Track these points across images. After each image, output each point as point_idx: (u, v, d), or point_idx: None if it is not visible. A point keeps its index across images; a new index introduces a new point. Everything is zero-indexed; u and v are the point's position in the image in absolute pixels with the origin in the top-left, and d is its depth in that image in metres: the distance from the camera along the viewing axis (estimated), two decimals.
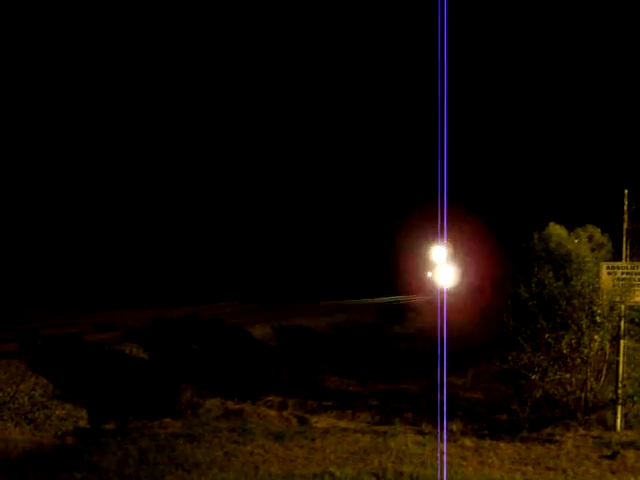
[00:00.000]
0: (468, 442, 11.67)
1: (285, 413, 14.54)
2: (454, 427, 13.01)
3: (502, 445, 11.52)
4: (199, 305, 33.66)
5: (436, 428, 12.88)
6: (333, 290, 53.75)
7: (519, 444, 11.59)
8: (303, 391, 16.45)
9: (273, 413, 14.41)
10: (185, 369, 17.24)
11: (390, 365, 20.15)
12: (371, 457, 10.54)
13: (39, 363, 15.33)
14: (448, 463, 10.30)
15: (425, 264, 65.29)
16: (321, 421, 13.88)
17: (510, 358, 12.91)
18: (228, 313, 30.12)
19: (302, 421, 13.88)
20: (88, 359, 16.49)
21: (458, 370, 18.40)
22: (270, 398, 15.66)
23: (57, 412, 13.33)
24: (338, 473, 9.43)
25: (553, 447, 11.43)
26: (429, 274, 66.57)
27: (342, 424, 13.55)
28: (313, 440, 11.63)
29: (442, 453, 10.85)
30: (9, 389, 13.66)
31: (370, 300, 51.06)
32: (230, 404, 14.84)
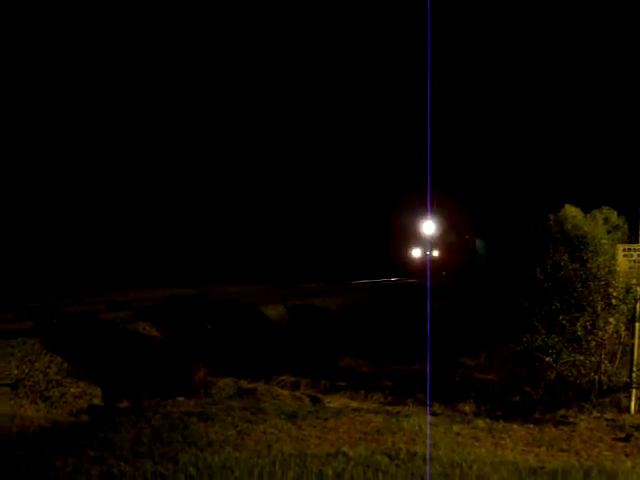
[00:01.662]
0: (481, 423, 11.66)
1: (298, 393, 14.59)
2: (467, 408, 13.02)
3: (515, 427, 11.49)
4: (210, 285, 33.75)
5: (449, 409, 12.90)
6: (334, 272, 54.22)
7: (532, 426, 11.57)
8: (316, 371, 16.49)
9: (286, 393, 14.46)
10: (198, 348, 17.31)
11: (403, 345, 20.15)
12: (384, 437, 10.55)
13: (54, 341, 15.42)
14: (461, 444, 10.30)
15: (417, 243, 65.44)
16: (334, 401, 13.92)
17: (524, 340, 12.86)
18: (239, 292, 30.18)
19: (315, 401, 13.92)
20: (102, 337, 16.56)
21: (471, 351, 18.40)
22: (283, 378, 15.70)
23: (72, 390, 13.41)
24: (351, 453, 9.44)
25: (566, 429, 11.40)
26: (415, 252, 66.84)
27: (355, 404, 13.58)
28: (326, 420, 11.65)
29: (455, 434, 10.86)
30: (24, 367, 13.75)
31: (375, 280, 51.34)
32: (243, 383, 14.88)
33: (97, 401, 13.46)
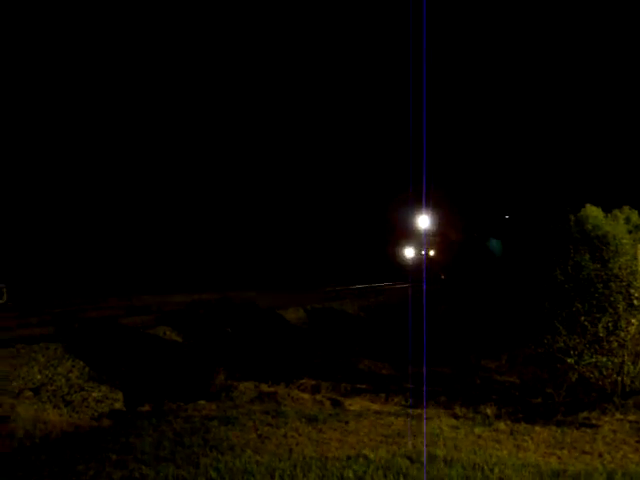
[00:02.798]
0: (502, 426, 11.60)
1: (318, 396, 14.59)
2: (488, 411, 12.94)
3: (537, 429, 11.42)
4: (229, 291, 33.82)
5: (470, 411, 12.84)
6: (338, 276, 53.31)
7: (554, 428, 11.48)
8: (336, 374, 16.48)
9: (306, 396, 14.46)
10: (219, 352, 17.36)
11: (423, 347, 20.08)
12: (405, 440, 10.52)
13: (76, 346, 15.54)
14: (482, 446, 10.25)
15: (410, 241, 60.75)
16: (355, 404, 13.90)
17: (545, 341, 12.79)
18: (258, 297, 30.22)
19: (335, 404, 13.91)
20: (123, 342, 16.67)
21: (492, 353, 18.31)
22: (303, 381, 15.70)
23: (93, 394, 13.51)
24: (372, 456, 9.42)
25: (589, 431, 11.31)
26: (408, 251, 61.19)
27: (376, 407, 13.56)
28: (347, 423, 11.64)
29: (477, 437, 10.81)
30: (47, 371, 13.87)
31: (383, 285, 50.62)
32: (264, 387, 14.91)
33: (119, 405, 13.54)
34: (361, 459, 9.26)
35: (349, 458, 9.32)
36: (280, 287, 41.39)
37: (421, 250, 58.80)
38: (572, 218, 13.98)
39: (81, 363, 14.73)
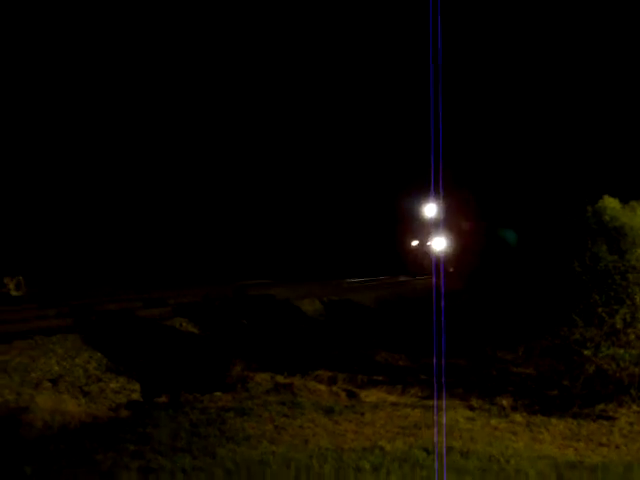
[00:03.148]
0: (519, 417, 11.58)
1: (335, 387, 14.59)
2: (504, 402, 12.91)
3: (553, 421, 11.39)
4: (244, 283, 33.90)
5: (487, 403, 12.81)
6: (353, 268, 52.38)
7: (571, 420, 11.45)
8: (352, 365, 16.47)
9: (323, 387, 14.47)
10: (235, 343, 17.41)
11: (440, 339, 20.03)
12: (422, 432, 10.52)
13: (93, 337, 15.65)
14: (499, 438, 10.24)
15: (418, 231, 56.35)
16: (371, 395, 13.90)
17: (562, 333, 12.73)
18: (273, 289, 30.29)
19: (352, 395, 13.91)
20: (140, 334, 16.76)
21: (508, 344, 18.23)
22: (319, 372, 15.71)
23: (111, 385, 13.60)
24: (388, 447, 9.44)
25: (606, 423, 11.27)
26: (415, 242, 57.14)
27: (392, 398, 13.56)
28: (363, 414, 11.65)
29: (493, 428, 10.80)
30: (65, 363, 13.98)
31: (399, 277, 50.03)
32: (280, 378, 14.93)
33: (136, 396, 13.62)
34: (377, 450, 9.29)
35: (365, 449, 9.35)
36: (295, 279, 41.37)
37: (427, 241, 55.58)
38: (589, 209, 13.89)
39: (99, 354, 14.83)
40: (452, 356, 17.56)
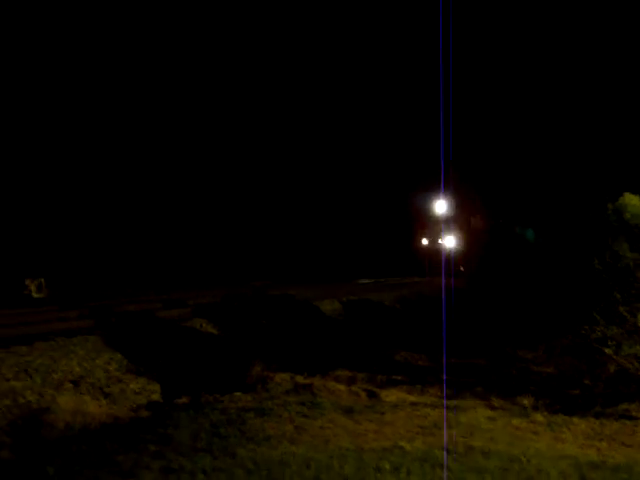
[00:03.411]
0: (540, 417, 11.50)
1: (354, 387, 14.57)
2: (525, 402, 12.83)
3: (575, 420, 11.31)
4: (263, 283, 33.95)
5: (507, 403, 12.74)
6: (369, 268, 51.47)
7: (593, 420, 11.36)
8: (372, 365, 16.46)
9: (342, 387, 14.46)
10: (254, 344, 17.44)
11: (459, 339, 19.99)
12: (442, 431, 10.47)
13: (114, 339, 15.73)
14: (520, 438, 10.17)
15: (428, 229, 54.73)
16: (391, 395, 13.87)
17: (583, 332, 12.64)
18: (291, 289, 30.32)
19: (372, 395, 13.89)
20: (160, 335, 16.83)
21: (528, 344, 18.14)
22: (339, 372, 15.70)
23: (131, 386, 13.66)
24: (408, 447, 9.40)
25: (629, 423, 11.17)
26: (425, 241, 55.28)
27: (412, 398, 13.52)
28: (383, 414, 11.62)
29: (514, 428, 10.74)
30: (86, 364, 14.06)
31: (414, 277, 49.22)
32: (299, 378, 14.94)
33: (156, 397, 13.68)
34: (397, 450, 9.26)
35: (385, 449, 9.32)
36: (314, 279, 41.33)
37: (437, 239, 53.71)
38: (610, 207, 13.76)
39: (119, 355, 14.91)
40: (472, 355, 17.55)
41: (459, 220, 52.60)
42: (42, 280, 23.34)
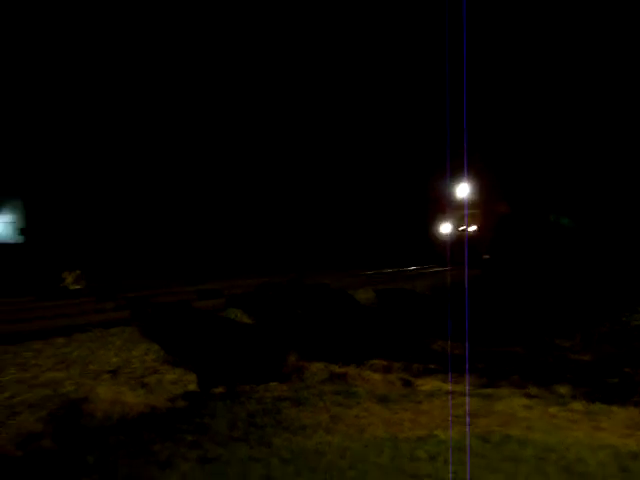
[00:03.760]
0: (578, 406, 11.37)
1: (390, 376, 14.54)
2: (563, 390, 12.70)
3: (614, 409, 11.15)
4: (296, 272, 33.97)
5: (544, 391, 12.62)
6: (397, 257, 49.78)
7: (633, 408, 11.20)
8: (408, 354, 16.41)
9: (377, 376, 14.44)
10: (290, 333, 17.47)
11: (494, 326, 19.86)
12: (478, 420, 10.42)
13: (150, 329, 15.87)
14: (557, 427, 10.08)
15: (448, 214, 50.95)
16: (426, 384, 13.81)
17: (623, 319, 12.48)
18: (325, 278, 30.32)
19: (407, 384, 13.85)
20: (196, 325, 16.92)
21: (566, 331, 17.96)
22: (374, 361, 15.68)
23: (168, 376, 13.76)
24: (444, 436, 9.37)
25: None
26: (444, 227, 51.40)
27: (448, 387, 13.45)
28: (419, 403, 11.60)
29: (551, 417, 10.63)
30: (123, 354, 14.21)
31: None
32: (334, 367, 14.94)
33: (193, 387, 13.75)
34: (433, 439, 9.24)
35: (421, 438, 9.31)
36: (344, 267, 41.12)
37: (459, 226, 50.11)
38: None
39: (156, 346, 15.03)
40: (508, 344, 17.41)
41: (482, 206, 50.33)
42: (79, 272, 23.63)
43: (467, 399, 11.88)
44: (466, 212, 48.89)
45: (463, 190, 47.18)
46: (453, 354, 16.85)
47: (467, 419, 10.51)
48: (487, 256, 45.23)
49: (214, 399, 12.27)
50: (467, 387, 13.42)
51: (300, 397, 11.98)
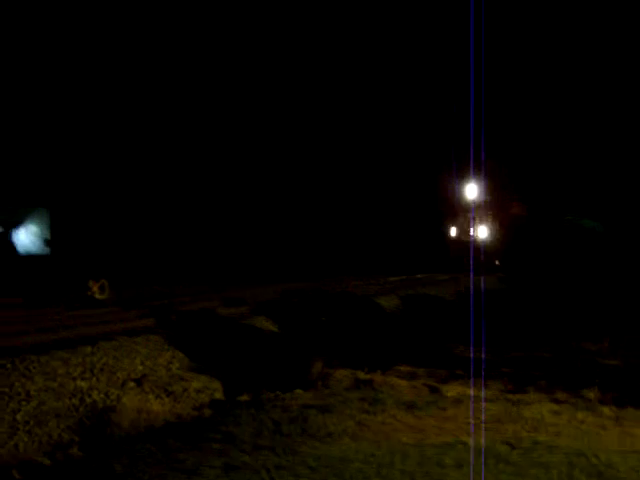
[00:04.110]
0: (607, 411, 11.24)
1: (415, 382, 14.48)
2: (591, 395, 12.57)
3: None
4: (320, 279, 33.92)
5: (572, 396, 12.50)
6: (417, 263, 47.24)
7: None
8: (433, 360, 16.34)
9: (403, 383, 14.38)
10: (314, 340, 17.46)
11: (520, 331, 19.72)
12: (505, 426, 10.34)
13: (175, 337, 15.91)
14: (586, 432, 9.97)
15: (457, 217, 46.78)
16: (452, 390, 13.74)
17: None
18: (349, 285, 30.28)
19: (433, 390, 13.78)
20: (221, 333, 16.96)
21: (594, 336, 17.80)
22: (400, 368, 15.63)
23: (193, 384, 13.79)
24: (471, 442, 9.31)
25: None
26: (453, 230, 47.34)
27: (474, 392, 13.37)
28: (444, 409, 11.53)
29: (580, 422, 10.53)
30: (148, 362, 14.26)
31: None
32: (360, 374, 14.91)
33: (218, 395, 13.78)
34: (460, 446, 9.17)
35: (448, 445, 9.25)
36: (367, 274, 40.59)
37: (468, 229, 45.49)
38: None
39: (181, 354, 15.08)
40: (535, 349, 17.27)
41: (494, 207, 46.25)
42: (105, 281, 23.76)
43: (494, 405, 11.79)
44: (474, 214, 45.32)
45: (472, 191, 43.41)
46: (479, 359, 16.75)
47: (494, 425, 10.43)
48: (498, 262, 42.32)
49: (240, 407, 12.28)
50: (494, 392, 13.33)
51: (326, 404, 11.95)
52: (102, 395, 12.28)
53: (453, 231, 47.03)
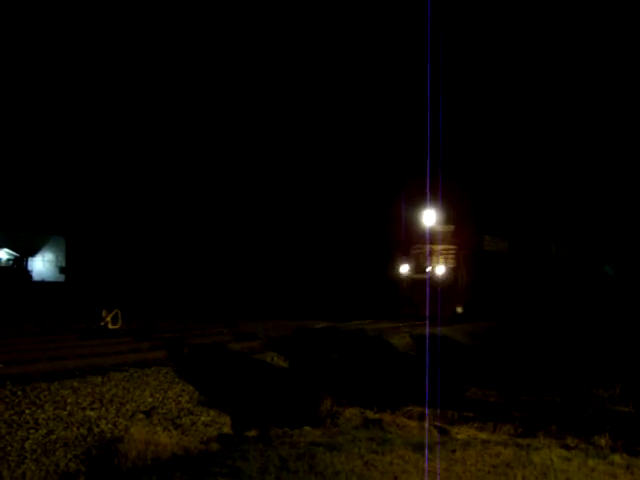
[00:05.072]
0: (618, 458, 11.11)
1: (425, 424, 14.38)
2: (602, 442, 12.44)
3: None
4: (332, 317, 33.80)
5: (583, 442, 12.38)
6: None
7: None
8: (443, 401, 16.23)
9: (413, 423, 14.30)
10: (325, 378, 17.42)
11: (532, 374, 19.57)
12: (514, 471, 10.24)
13: (185, 371, 15.94)
14: None
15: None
16: (461, 432, 13.65)
17: None
18: (361, 324, 30.22)
19: (442, 432, 13.69)
20: (231, 367, 16.96)
21: (604, 382, 17.64)
22: (410, 408, 15.55)
23: (202, 418, 13.79)
24: None
25: None
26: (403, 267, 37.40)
27: (483, 436, 13.27)
28: (453, 452, 11.43)
29: (590, 469, 10.41)
30: (158, 395, 14.28)
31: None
32: (369, 413, 14.84)
33: (227, 429, 13.77)
34: None
35: None
36: (379, 314, 39.55)
37: (424, 266, 36.87)
38: None
39: (191, 387, 15.09)
40: (546, 393, 17.13)
41: (458, 239, 37.30)
42: (118, 312, 23.85)
43: (504, 448, 11.69)
44: (429, 247, 36.91)
45: (429, 218, 36.00)
46: (489, 402, 16.64)
47: (504, 469, 10.34)
48: (460, 309, 35.48)
49: (247, 442, 12.24)
50: (503, 436, 13.23)
51: (334, 442, 11.89)
52: (110, 425, 12.31)
53: (404, 268, 37.90)
